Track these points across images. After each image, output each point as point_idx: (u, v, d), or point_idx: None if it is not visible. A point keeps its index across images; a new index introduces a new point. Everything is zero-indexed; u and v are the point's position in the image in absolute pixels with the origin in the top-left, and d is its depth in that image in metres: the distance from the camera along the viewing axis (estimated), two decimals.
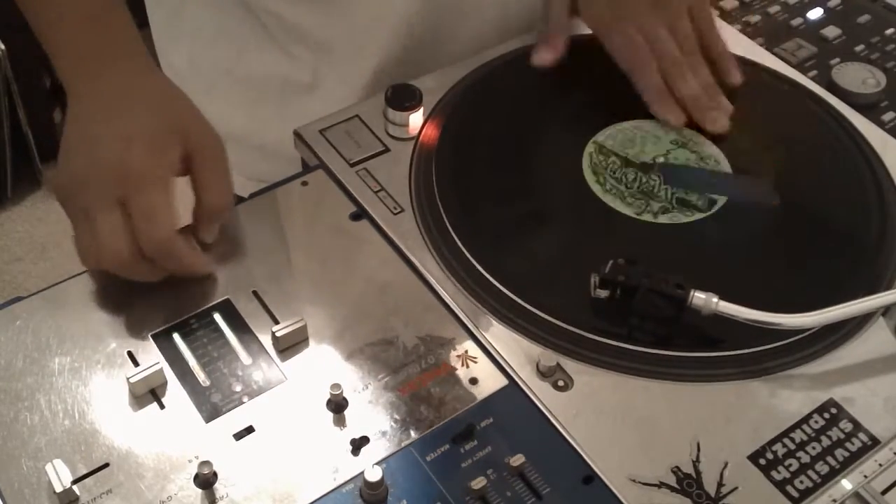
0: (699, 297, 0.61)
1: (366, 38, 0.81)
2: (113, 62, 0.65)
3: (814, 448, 0.58)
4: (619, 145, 0.75)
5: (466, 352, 0.61)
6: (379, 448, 0.57)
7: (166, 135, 0.63)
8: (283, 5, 0.81)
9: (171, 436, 0.57)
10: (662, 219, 0.70)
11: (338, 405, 0.58)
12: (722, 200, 0.71)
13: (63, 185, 0.63)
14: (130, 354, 0.61)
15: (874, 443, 0.58)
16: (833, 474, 0.57)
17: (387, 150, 0.74)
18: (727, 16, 0.90)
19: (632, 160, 0.74)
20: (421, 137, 0.75)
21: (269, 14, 0.82)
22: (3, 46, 1.80)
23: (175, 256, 0.62)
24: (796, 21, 0.89)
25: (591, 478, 0.56)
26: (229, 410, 0.58)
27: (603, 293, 0.63)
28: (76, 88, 0.65)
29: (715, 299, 0.61)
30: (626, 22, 0.76)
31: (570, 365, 0.61)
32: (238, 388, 0.59)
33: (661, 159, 0.73)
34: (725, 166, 0.73)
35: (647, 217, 0.69)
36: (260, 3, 0.81)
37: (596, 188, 0.71)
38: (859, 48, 0.86)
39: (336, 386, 0.58)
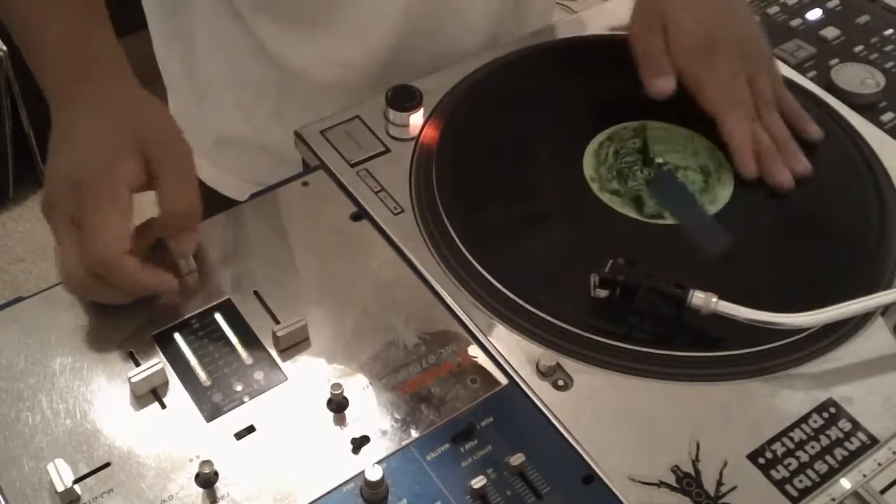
0: (699, 297, 0.61)
1: (358, 49, 0.82)
2: (88, 79, 0.64)
3: (813, 447, 0.58)
4: (655, 137, 0.75)
5: (467, 351, 0.62)
6: (379, 447, 0.57)
7: (123, 145, 0.61)
8: (274, 24, 0.81)
9: (172, 435, 0.57)
10: (604, 197, 0.70)
11: (338, 405, 0.58)
12: (667, 219, 0.70)
13: (41, 206, 0.62)
14: (132, 354, 0.61)
15: (873, 442, 0.58)
16: (832, 473, 0.57)
17: (387, 150, 0.74)
18: None
19: (648, 149, 0.74)
20: (421, 138, 0.75)
21: (261, 32, 0.82)
22: (4, 47, 1.80)
23: (123, 275, 0.60)
24: (795, 22, 0.89)
25: (591, 477, 0.56)
26: (230, 410, 0.58)
27: (603, 293, 0.63)
28: (55, 108, 0.64)
29: (714, 299, 0.61)
30: (718, 63, 0.75)
31: (570, 365, 0.61)
32: (239, 388, 0.59)
33: (669, 166, 0.73)
34: (716, 209, 0.71)
35: (649, 218, 0.70)
36: (252, 21, 0.81)
37: (596, 188, 0.71)
38: (858, 49, 0.86)
39: (337, 385, 0.58)
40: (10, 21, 0.67)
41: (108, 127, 0.62)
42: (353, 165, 0.73)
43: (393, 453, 0.57)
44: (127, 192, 0.61)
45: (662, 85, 0.75)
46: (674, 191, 0.72)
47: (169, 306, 0.63)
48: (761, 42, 0.78)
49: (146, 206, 0.63)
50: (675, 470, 0.56)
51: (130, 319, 0.63)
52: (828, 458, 0.57)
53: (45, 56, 0.65)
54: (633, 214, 0.70)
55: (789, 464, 0.57)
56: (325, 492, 0.55)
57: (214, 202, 0.71)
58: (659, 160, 0.73)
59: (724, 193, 0.72)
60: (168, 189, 0.62)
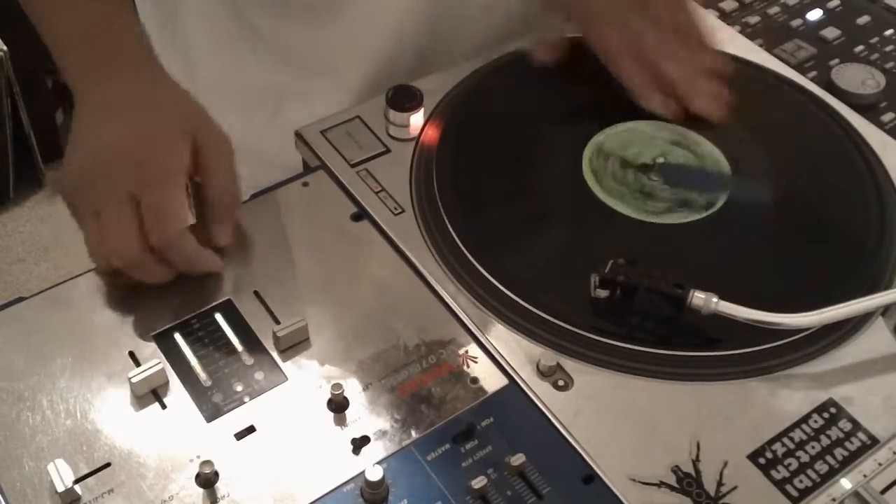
0: (699, 297, 0.61)
1: (359, 48, 0.82)
2: (119, 67, 0.65)
3: (813, 447, 0.58)
4: (617, 147, 0.75)
5: (467, 352, 0.62)
6: (380, 448, 0.57)
7: (177, 134, 0.63)
8: (274, 21, 0.81)
9: (172, 435, 0.57)
10: (664, 219, 0.70)
11: (339, 405, 0.58)
12: (721, 201, 0.71)
13: (71, 182, 0.63)
14: (132, 354, 0.61)
15: (873, 442, 0.58)
16: (832, 473, 0.57)
17: (387, 150, 0.74)
18: (726, 17, 0.90)
19: (630, 161, 0.74)
20: (421, 138, 0.75)
21: (261, 28, 0.82)
22: (4, 47, 1.80)
23: (185, 253, 0.63)
24: (796, 22, 0.89)
25: (591, 477, 0.56)
26: (230, 410, 0.58)
27: (603, 293, 0.63)
28: (83, 90, 0.65)
29: (714, 299, 0.61)
30: (605, 22, 0.76)
31: (570, 365, 0.61)
32: (239, 388, 0.60)
33: (661, 159, 0.73)
34: (724, 164, 0.73)
35: (649, 217, 0.70)
36: (251, 17, 0.81)
37: (595, 188, 0.72)
38: (859, 49, 0.86)
39: (337, 386, 0.58)
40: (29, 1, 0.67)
41: (159, 113, 0.64)
42: (353, 165, 0.73)
43: (393, 453, 0.57)
44: (185, 176, 0.63)
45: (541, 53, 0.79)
46: (687, 174, 0.73)
47: (170, 306, 0.63)
48: None
49: None
50: (676, 470, 0.56)
51: (130, 319, 0.63)
52: (828, 458, 0.57)
53: (69, 35, 0.66)
54: (632, 214, 0.70)
55: (790, 464, 0.57)
56: (325, 492, 0.55)
57: None
58: (660, 160, 0.73)
59: (707, 149, 0.74)
60: (214, 178, 0.65)
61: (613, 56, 0.76)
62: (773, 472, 0.56)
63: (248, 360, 0.61)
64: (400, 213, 0.70)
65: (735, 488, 0.56)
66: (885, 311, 0.64)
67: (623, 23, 0.76)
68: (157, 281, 0.63)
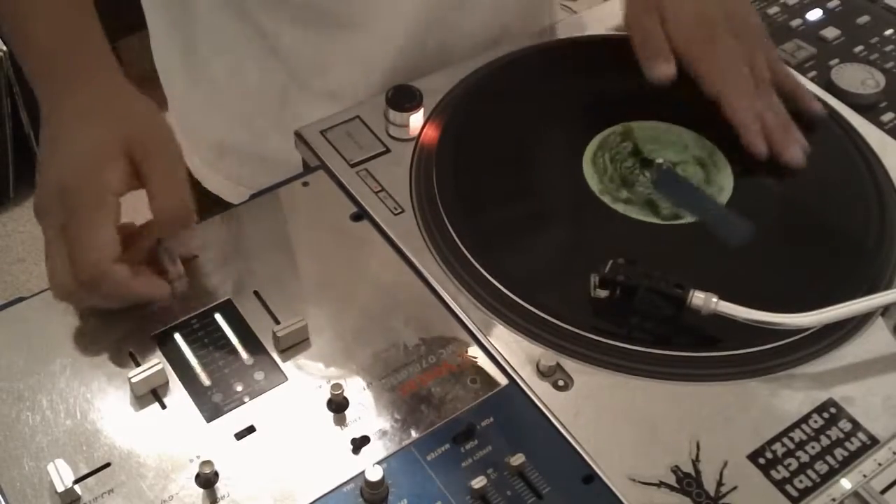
0: (699, 297, 0.61)
1: (365, 53, 0.82)
2: (75, 82, 0.63)
3: (813, 447, 0.58)
4: (644, 137, 0.75)
5: (467, 352, 0.62)
6: (379, 448, 0.57)
7: (108, 150, 0.60)
8: (283, 25, 0.81)
9: (172, 435, 0.57)
10: (618, 207, 0.70)
11: (338, 405, 0.58)
12: (687, 219, 0.70)
13: (34, 213, 0.62)
14: (132, 354, 0.61)
15: (873, 442, 0.58)
16: (832, 474, 0.57)
17: (387, 150, 0.74)
18: None
19: (642, 151, 0.74)
20: (421, 138, 0.75)
21: (269, 32, 0.82)
22: (4, 47, 1.80)
23: (113, 284, 0.59)
24: (795, 22, 0.89)
25: (591, 477, 0.56)
26: (230, 410, 0.58)
27: (603, 293, 0.63)
28: (43, 112, 0.63)
29: (714, 299, 0.61)
30: (717, 44, 0.74)
31: (570, 365, 0.61)
32: (239, 388, 0.59)
33: (668, 165, 0.73)
34: (726, 196, 0.72)
35: (605, 199, 0.70)
36: (260, 21, 0.81)
37: (588, 164, 0.71)
38: (858, 49, 0.86)
39: (337, 386, 0.58)
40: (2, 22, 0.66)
41: (93, 132, 0.61)
42: (353, 165, 0.73)
43: (393, 453, 0.57)
44: (114, 199, 0.60)
45: (665, 69, 0.75)
46: (680, 188, 0.72)
47: (169, 307, 0.63)
48: (755, 18, 0.78)
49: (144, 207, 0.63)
50: (676, 470, 0.56)
51: (130, 320, 0.63)
52: (828, 458, 0.57)
53: (32, 57, 0.65)
54: (649, 219, 0.70)
55: (789, 464, 0.57)
56: (325, 492, 0.55)
57: (216, 208, 0.70)
58: (660, 160, 0.73)
59: (726, 181, 0.73)
60: (155, 187, 0.61)
61: (725, 81, 0.73)
62: (773, 472, 0.56)
63: (248, 360, 0.61)
64: (400, 213, 0.70)
65: (735, 488, 0.56)
66: (885, 311, 0.64)
67: (727, 51, 0.74)
68: (106, 308, 0.61)
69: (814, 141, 0.76)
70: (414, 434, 0.57)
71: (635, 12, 0.78)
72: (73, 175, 0.59)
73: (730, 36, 0.75)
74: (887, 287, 0.66)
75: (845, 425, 0.59)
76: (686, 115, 0.76)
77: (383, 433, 0.57)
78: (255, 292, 0.64)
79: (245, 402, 0.59)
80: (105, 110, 0.63)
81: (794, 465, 0.57)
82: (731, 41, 0.75)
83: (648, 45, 0.76)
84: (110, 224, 0.59)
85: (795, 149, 0.73)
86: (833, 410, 0.59)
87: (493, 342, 0.62)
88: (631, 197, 0.71)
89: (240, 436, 0.57)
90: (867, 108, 0.79)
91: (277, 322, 0.62)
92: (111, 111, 0.63)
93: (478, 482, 0.54)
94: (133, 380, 0.58)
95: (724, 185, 0.72)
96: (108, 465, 0.56)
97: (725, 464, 0.57)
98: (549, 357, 0.61)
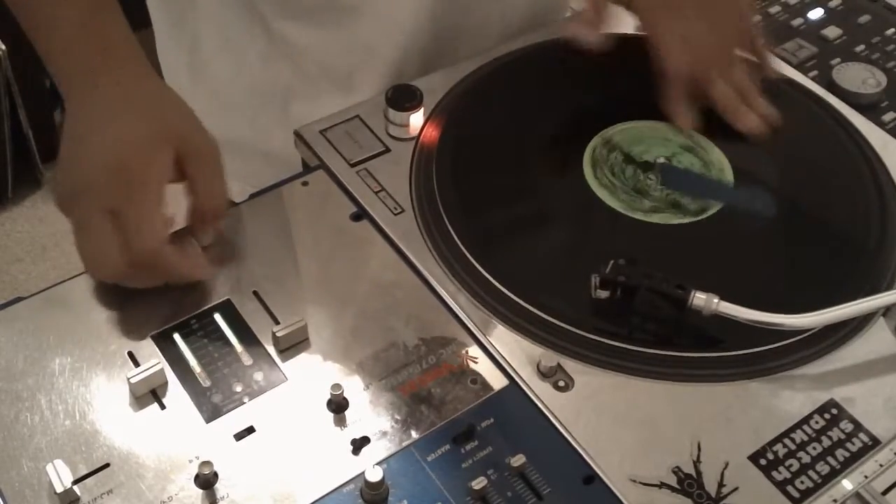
0: (700, 298, 0.61)
1: (370, 50, 0.82)
2: (108, 69, 0.64)
3: (814, 448, 0.58)
4: (626, 141, 0.75)
5: (467, 352, 0.61)
6: (379, 448, 0.57)
7: (157, 140, 0.62)
8: (287, 22, 0.81)
9: (171, 436, 0.57)
10: (653, 218, 0.70)
11: (338, 405, 0.58)
12: (715, 208, 0.70)
13: (60, 195, 0.63)
14: (131, 355, 0.61)
15: (875, 443, 0.58)
16: (833, 475, 0.57)
17: (387, 150, 0.74)
18: None
19: (634, 157, 0.74)
20: (421, 138, 0.75)
21: (273, 28, 0.82)
22: (3, 46, 1.80)
23: (164, 266, 0.61)
24: (797, 21, 0.89)
25: (591, 478, 0.56)
26: (230, 411, 0.58)
27: (603, 294, 0.63)
28: (72, 95, 0.64)
29: (715, 300, 0.61)
30: (679, 21, 0.75)
31: (570, 365, 0.61)
32: (239, 389, 0.59)
33: (661, 160, 0.73)
34: (729, 173, 0.73)
35: (637, 215, 0.70)
36: (264, 17, 0.81)
37: (594, 183, 0.71)
38: (860, 48, 0.85)
39: (337, 386, 0.58)
40: (16, 4, 0.66)
41: (141, 120, 0.63)
42: (353, 165, 0.73)
43: (393, 454, 0.56)
44: (164, 185, 0.62)
45: (575, 32, 0.77)
46: (687, 179, 0.72)
47: (169, 306, 0.63)
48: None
49: (173, 198, 0.64)
50: (677, 471, 0.56)
51: (129, 320, 0.62)
52: (829, 459, 0.57)
53: (56, 42, 0.65)
54: (621, 210, 0.70)
55: (791, 465, 0.57)
56: (325, 493, 0.55)
57: None
58: (661, 160, 0.73)
59: (719, 157, 0.74)
60: (200, 185, 0.64)
61: (666, 55, 0.75)
62: (774, 473, 0.56)
63: (247, 360, 0.61)
64: (400, 212, 0.69)
65: (736, 489, 0.55)
66: (887, 311, 0.64)
67: (684, 17, 0.75)
68: (148, 286, 0.63)
69: (815, 141, 0.76)
70: (414, 435, 0.57)
71: None
72: (129, 157, 0.61)
73: (693, 10, 0.75)
74: (888, 287, 0.66)
75: (846, 426, 0.59)
76: (653, 107, 0.76)
77: (383, 434, 0.57)
78: (255, 292, 0.64)
79: (244, 403, 0.59)
80: (144, 99, 0.65)
81: (796, 465, 0.57)
82: (694, 16, 0.75)
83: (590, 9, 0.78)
84: (162, 210, 0.61)
85: (749, 118, 0.74)
86: (834, 411, 0.59)
87: (493, 342, 0.62)
88: (655, 205, 0.71)
89: (239, 436, 0.57)
90: (868, 107, 0.79)
91: (277, 322, 0.62)
92: (150, 101, 0.65)
93: (478, 483, 0.54)
94: (132, 380, 0.58)
95: (720, 162, 0.73)
96: (107, 465, 0.56)
97: (727, 464, 0.56)
98: (549, 357, 0.60)
